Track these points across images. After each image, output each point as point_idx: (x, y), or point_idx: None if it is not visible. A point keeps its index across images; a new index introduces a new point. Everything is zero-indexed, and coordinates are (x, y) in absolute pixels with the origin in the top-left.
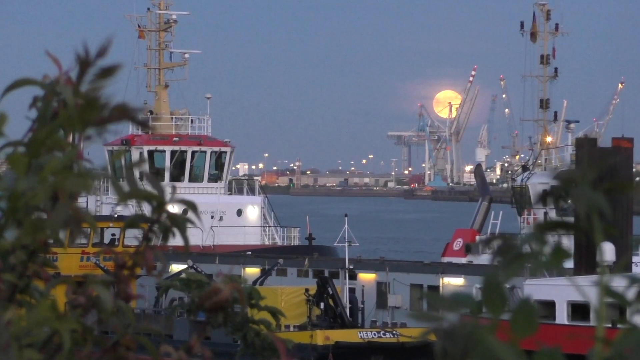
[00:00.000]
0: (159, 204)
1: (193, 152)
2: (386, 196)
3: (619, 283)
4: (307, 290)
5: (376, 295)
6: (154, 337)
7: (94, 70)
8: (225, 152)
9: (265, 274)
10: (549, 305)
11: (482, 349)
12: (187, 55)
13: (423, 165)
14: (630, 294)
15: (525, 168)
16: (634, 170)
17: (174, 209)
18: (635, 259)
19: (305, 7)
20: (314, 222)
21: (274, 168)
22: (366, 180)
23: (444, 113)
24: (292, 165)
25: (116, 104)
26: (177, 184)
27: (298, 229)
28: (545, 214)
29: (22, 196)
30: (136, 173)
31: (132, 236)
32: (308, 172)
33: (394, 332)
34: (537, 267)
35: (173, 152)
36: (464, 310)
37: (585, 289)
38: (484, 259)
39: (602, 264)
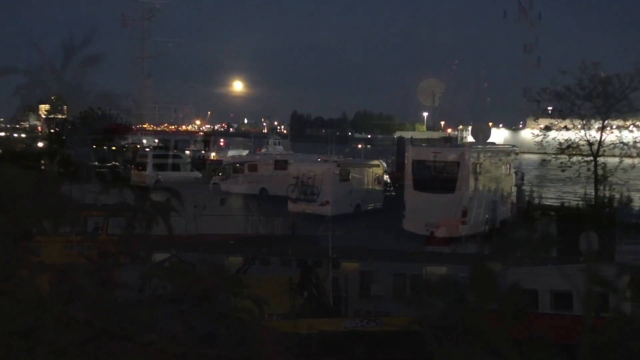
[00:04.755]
0: (143, 192)
1: (176, 141)
2: None
3: (604, 272)
4: (290, 279)
5: (359, 284)
6: (139, 325)
7: (78, 58)
8: (208, 141)
9: (248, 262)
10: (531, 294)
11: (475, 335)
12: (170, 45)
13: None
14: (618, 282)
15: None
16: None
17: (156, 197)
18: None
19: None
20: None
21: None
22: None
23: (427, 102)
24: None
25: (101, 92)
26: (160, 173)
27: (281, 217)
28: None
29: (7, 184)
30: (120, 162)
31: (116, 225)
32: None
33: (377, 321)
34: (527, 254)
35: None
36: (451, 298)
37: (568, 277)
38: (468, 248)
39: (588, 253)
